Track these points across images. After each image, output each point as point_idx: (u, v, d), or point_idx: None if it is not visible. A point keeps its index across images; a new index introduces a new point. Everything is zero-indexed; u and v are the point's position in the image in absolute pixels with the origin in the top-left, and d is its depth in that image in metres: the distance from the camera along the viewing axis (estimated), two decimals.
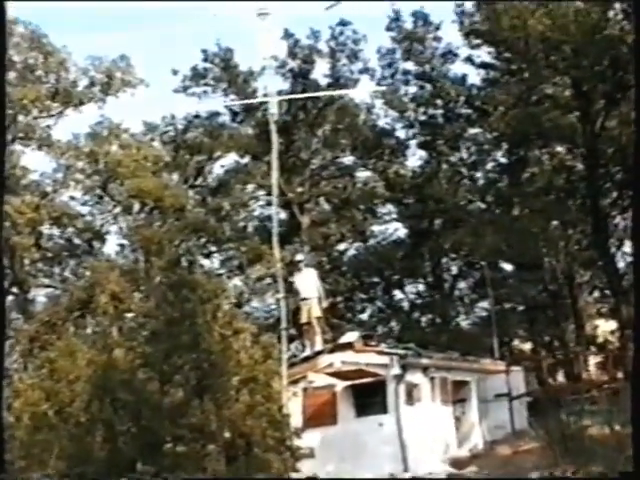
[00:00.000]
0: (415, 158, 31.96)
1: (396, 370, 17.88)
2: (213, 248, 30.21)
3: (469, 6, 27.95)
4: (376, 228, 32.81)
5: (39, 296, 28.47)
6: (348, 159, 32.48)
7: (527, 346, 30.66)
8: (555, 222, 27.82)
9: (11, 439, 12.52)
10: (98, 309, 21.22)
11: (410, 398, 17.88)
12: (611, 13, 24.58)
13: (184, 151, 31.17)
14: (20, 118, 27.17)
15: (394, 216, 32.45)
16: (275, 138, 18.53)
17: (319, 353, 18.75)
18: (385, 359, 18.16)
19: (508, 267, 30.17)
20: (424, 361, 18.87)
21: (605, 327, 28.12)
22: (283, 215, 29.57)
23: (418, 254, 30.30)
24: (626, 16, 23.69)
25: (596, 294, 31.11)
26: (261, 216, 31.34)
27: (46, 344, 18.36)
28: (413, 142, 31.81)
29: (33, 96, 26.64)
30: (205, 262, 29.90)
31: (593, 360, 24.32)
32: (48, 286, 28.86)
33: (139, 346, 14.70)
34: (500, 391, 19.82)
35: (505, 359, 21.94)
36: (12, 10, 25.95)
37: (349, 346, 18.61)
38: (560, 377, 25.88)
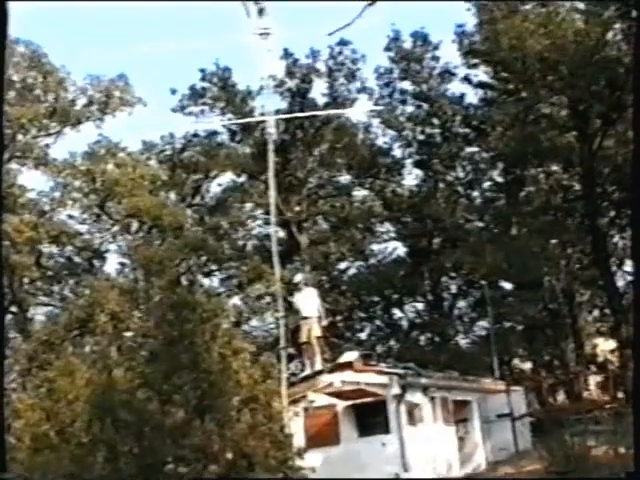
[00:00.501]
0: (411, 177, 32.08)
1: (396, 390, 17.79)
2: (213, 267, 30.12)
3: (470, 26, 28.24)
4: (376, 247, 32.87)
5: (38, 315, 28.35)
6: (345, 178, 32.55)
7: (527, 365, 30.55)
8: (554, 241, 27.87)
9: (12, 461, 12.36)
10: (97, 328, 21.09)
11: (412, 418, 17.78)
12: (609, 35, 24.78)
13: (181, 170, 31.14)
14: (19, 137, 27.14)
15: (392, 235, 32.47)
16: (272, 157, 18.50)
17: (319, 373, 18.65)
18: (385, 379, 18.06)
19: (508, 286, 30.15)
20: (424, 381, 18.78)
21: (605, 346, 28.05)
22: (282, 234, 29.52)
23: (418, 273, 30.28)
24: (624, 37, 23.88)
25: (596, 313, 31.09)
26: (260, 235, 31.31)
27: (45, 363, 18.21)
28: (409, 161, 31.94)
29: (31, 115, 26.64)
30: (205, 281, 29.83)
31: (593, 379, 24.21)
32: (47, 305, 28.69)
33: (138, 366, 14.60)
34: (501, 411, 19.71)
35: (505, 379, 21.83)
36: (13, 30, 25.96)
37: (349, 366, 18.51)
38: (561, 396, 25.75)
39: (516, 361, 30.49)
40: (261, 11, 17.77)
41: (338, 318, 30.65)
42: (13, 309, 26.73)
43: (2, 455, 3.80)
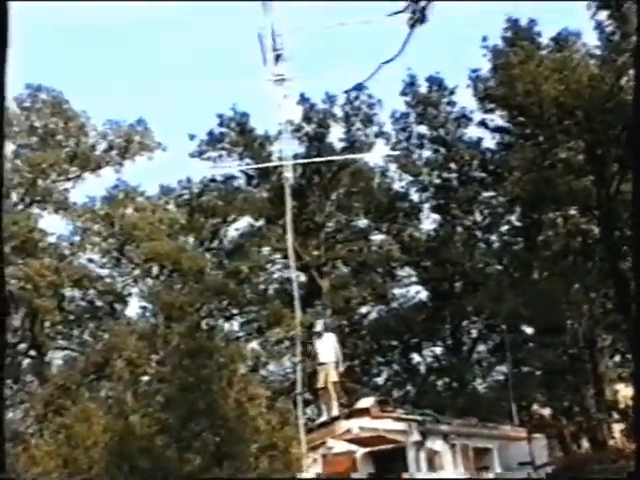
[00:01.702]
0: (429, 221, 32.09)
1: (415, 437, 17.51)
2: (234, 311, 30.05)
3: (485, 71, 28.48)
4: (398, 291, 32.75)
5: (55, 359, 28.29)
6: (362, 222, 32.61)
7: (546, 411, 30.06)
8: (577, 285, 27.62)
9: None
10: (113, 374, 21.01)
11: (432, 465, 17.48)
12: (624, 80, 24.88)
13: (199, 214, 31.31)
14: (39, 182, 27.45)
15: (413, 279, 32.38)
16: (289, 201, 18.54)
17: (336, 419, 18.43)
18: (403, 425, 17.80)
19: (528, 330, 29.87)
20: (444, 427, 18.49)
21: (625, 392, 27.56)
22: (303, 278, 29.48)
23: (439, 317, 30.11)
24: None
25: (617, 358, 30.64)
26: (281, 279, 31.28)
27: (61, 409, 18.13)
28: (426, 205, 31.97)
29: (52, 160, 27.00)
30: (226, 325, 29.76)
31: (618, 427, 23.71)
32: (65, 348, 28.65)
33: (155, 412, 14.54)
34: (522, 459, 19.32)
35: (526, 425, 21.48)
36: (35, 77, 26.57)
37: (366, 412, 18.28)
38: (585, 444, 25.24)
39: (535, 407, 30.03)
40: (277, 58, 18.06)
41: (356, 362, 30.45)
42: (32, 353, 26.74)
43: (2, 455, 3.84)
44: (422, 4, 8.57)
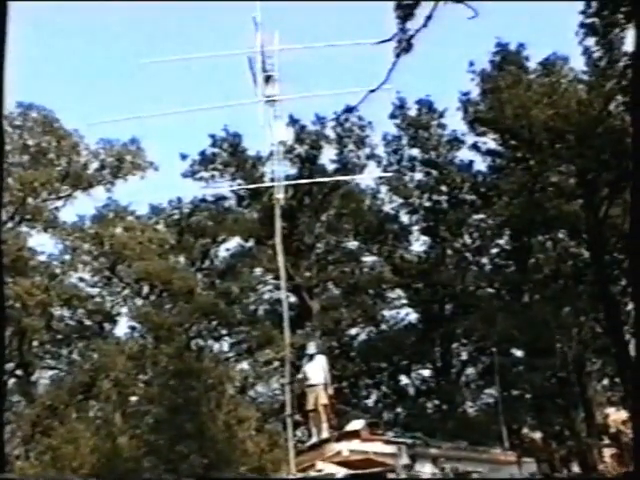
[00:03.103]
0: (419, 243, 32.13)
1: (405, 460, 17.40)
2: (224, 331, 29.95)
3: (474, 95, 28.64)
4: (387, 313, 32.70)
5: (42, 379, 28.07)
6: (352, 244, 32.63)
7: (537, 435, 29.99)
8: (567, 308, 27.68)
9: None
10: (101, 394, 20.83)
11: None
12: (612, 105, 25.09)
13: (188, 234, 31.27)
14: (29, 200, 27.38)
15: (404, 301, 32.37)
16: (279, 222, 18.51)
17: (326, 441, 18.31)
18: (393, 448, 17.68)
19: (518, 353, 29.87)
20: (433, 451, 18.36)
21: (616, 416, 27.52)
22: (293, 299, 29.42)
23: (429, 339, 30.08)
24: (627, 109, 24.18)
25: (605, 382, 30.67)
26: (271, 300, 31.21)
27: (48, 429, 17.96)
28: (416, 227, 32.03)
29: (44, 179, 26.96)
30: (215, 345, 29.63)
31: (609, 451, 23.64)
32: (53, 368, 28.46)
33: (143, 434, 14.46)
34: None
35: (516, 449, 21.38)
36: (26, 96, 26.59)
37: (356, 434, 18.16)
38: (575, 468, 25.17)
39: (526, 430, 29.96)
40: (268, 79, 18.12)
41: (344, 384, 30.32)
42: (18, 372, 26.52)
43: (2, 455, 3.83)
44: (410, 33, 8.69)
